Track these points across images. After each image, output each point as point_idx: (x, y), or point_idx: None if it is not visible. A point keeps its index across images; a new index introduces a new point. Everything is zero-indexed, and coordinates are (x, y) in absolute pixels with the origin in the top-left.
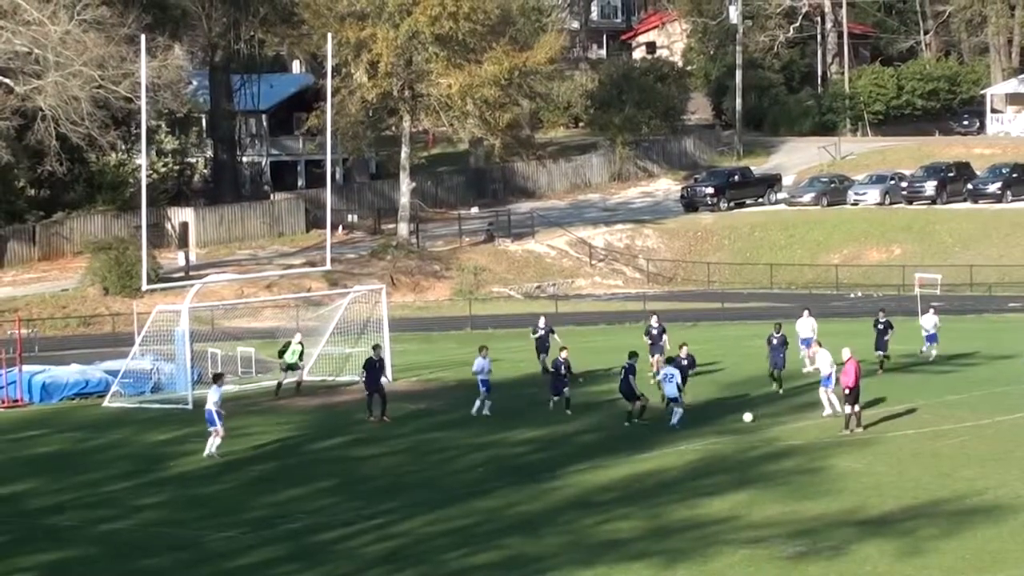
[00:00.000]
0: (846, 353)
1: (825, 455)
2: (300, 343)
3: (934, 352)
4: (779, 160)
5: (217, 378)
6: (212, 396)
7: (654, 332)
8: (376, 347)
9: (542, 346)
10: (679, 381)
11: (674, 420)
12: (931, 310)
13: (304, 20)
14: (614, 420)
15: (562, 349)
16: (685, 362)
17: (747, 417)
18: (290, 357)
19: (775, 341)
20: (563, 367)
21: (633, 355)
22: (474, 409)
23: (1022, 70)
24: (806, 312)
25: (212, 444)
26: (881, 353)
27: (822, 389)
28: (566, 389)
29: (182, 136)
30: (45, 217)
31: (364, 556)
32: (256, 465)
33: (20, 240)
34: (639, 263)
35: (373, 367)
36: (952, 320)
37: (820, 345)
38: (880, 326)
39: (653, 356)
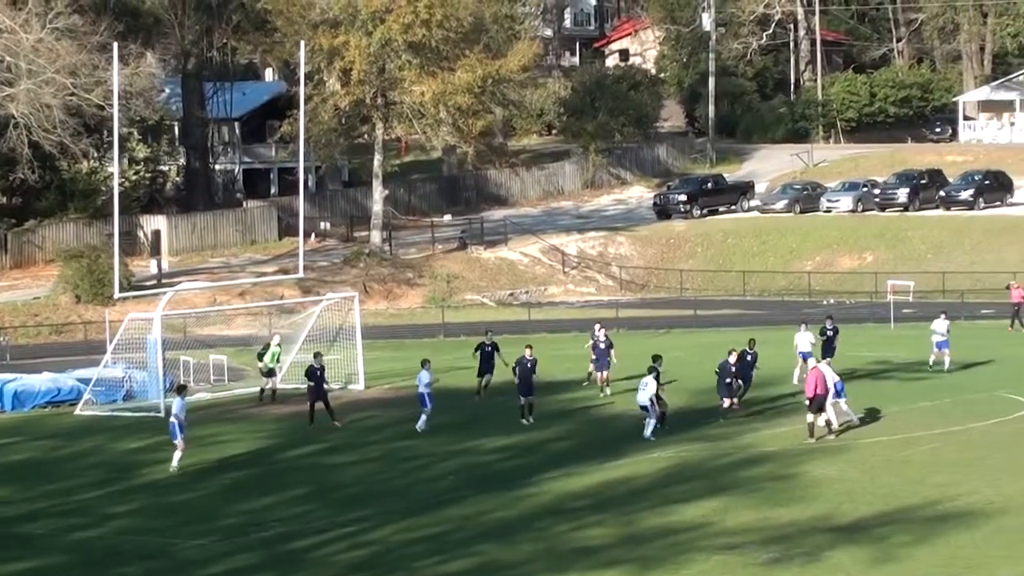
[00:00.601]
0: (812, 361)
1: (797, 462)
2: (279, 345)
3: (947, 359)
4: (752, 167)
5: (180, 390)
6: (174, 407)
7: (601, 346)
8: (317, 355)
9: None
10: (652, 393)
11: (647, 432)
12: (943, 315)
13: (277, 27)
14: (586, 427)
15: (528, 347)
16: (733, 369)
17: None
18: (270, 361)
19: (748, 357)
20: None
21: (657, 358)
22: (419, 424)
23: (994, 77)
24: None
25: (175, 458)
26: (828, 360)
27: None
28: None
29: (154, 144)
30: (17, 225)
31: (337, 564)
32: (229, 473)
33: None
34: (612, 270)
35: (315, 375)
36: (925, 327)
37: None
38: (828, 334)
39: (600, 372)
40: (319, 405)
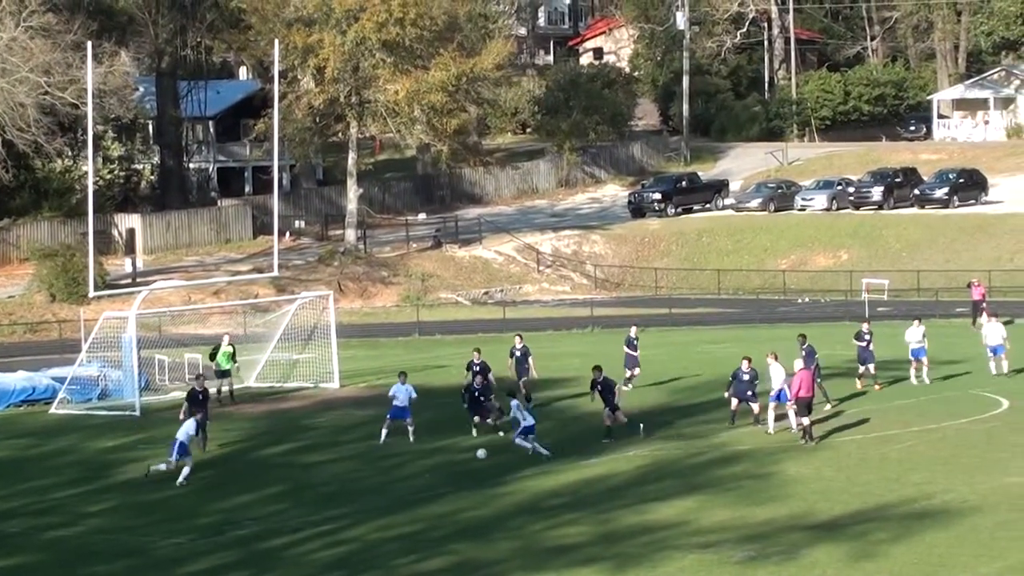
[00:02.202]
0: (798, 364)
1: (774, 460)
2: (231, 345)
3: (925, 368)
4: (726, 166)
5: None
6: (189, 429)
7: (517, 354)
8: (199, 377)
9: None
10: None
11: (528, 445)
12: (916, 321)
13: (251, 26)
14: (562, 426)
15: (475, 350)
16: (747, 377)
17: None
18: (223, 361)
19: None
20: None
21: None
22: (382, 439)
23: (968, 76)
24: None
25: (183, 473)
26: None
27: (772, 404)
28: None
29: (129, 143)
30: None
31: (313, 562)
32: (204, 471)
33: None
34: (587, 269)
35: (198, 399)
36: (899, 325)
37: (776, 358)
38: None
39: (520, 379)
40: None
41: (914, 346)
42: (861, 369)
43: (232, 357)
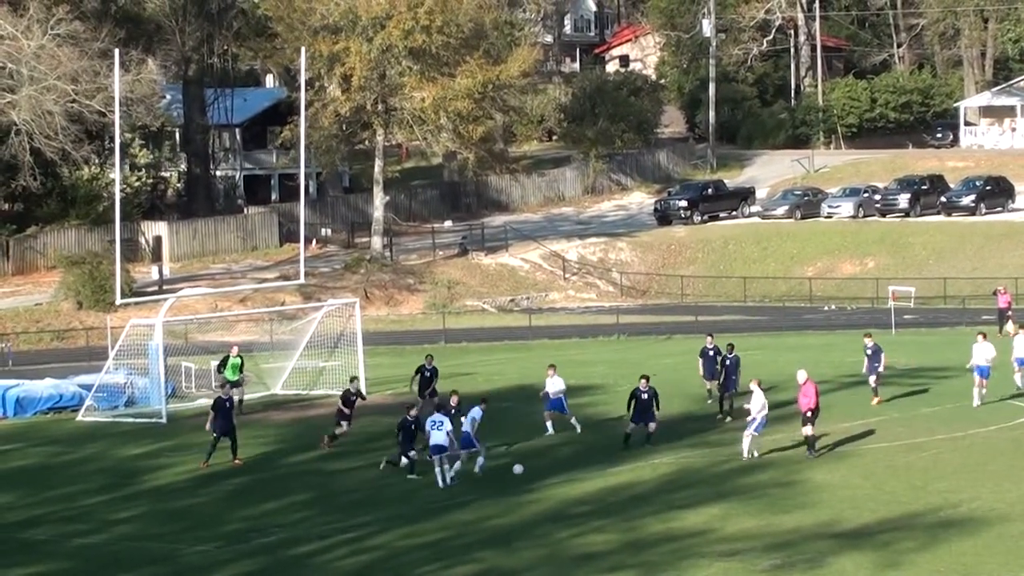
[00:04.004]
0: (802, 376)
1: (800, 468)
2: (239, 356)
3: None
4: (752, 173)
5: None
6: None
7: (427, 374)
8: (226, 386)
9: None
10: (449, 429)
11: (440, 482)
12: (981, 336)
13: (277, 34)
14: (588, 433)
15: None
16: (645, 395)
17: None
18: (231, 373)
19: (729, 362)
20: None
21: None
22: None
23: (995, 83)
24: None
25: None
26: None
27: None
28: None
29: (156, 150)
30: (18, 231)
31: (339, 570)
32: (231, 479)
33: None
34: (613, 276)
35: (224, 407)
36: (925, 333)
37: (760, 384)
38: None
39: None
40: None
41: (981, 364)
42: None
43: (240, 368)
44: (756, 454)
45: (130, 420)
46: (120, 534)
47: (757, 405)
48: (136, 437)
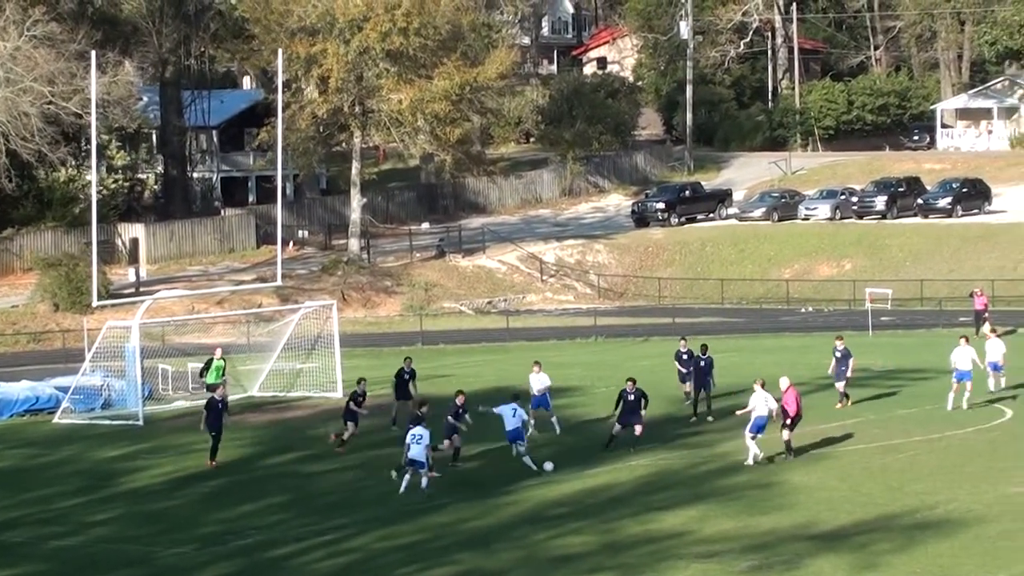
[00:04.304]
0: (784, 382)
1: (777, 470)
2: (222, 359)
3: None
4: (730, 175)
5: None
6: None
7: (405, 376)
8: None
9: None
10: (428, 443)
11: (402, 486)
12: (964, 340)
13: (254, 35)
14: (565, 435)
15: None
16: (632, 397)
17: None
18: (215, 377)
19: (703, 363)
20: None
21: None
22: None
23: (972, 85)
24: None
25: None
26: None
27: (749, 435)
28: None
29: (132, 152)
30: None
31: (316, 572)
32: (208, 481)
33: None
34: (590, 278)
35: (217, 408)
36: (902, 335)
37: (763, 386)
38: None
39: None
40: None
41: (963, 368)
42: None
43: (223, 371)
44: (760, 455)
45: (107, 422)
46: (97, 536)
47: (754, 403)
48: (113, 439)
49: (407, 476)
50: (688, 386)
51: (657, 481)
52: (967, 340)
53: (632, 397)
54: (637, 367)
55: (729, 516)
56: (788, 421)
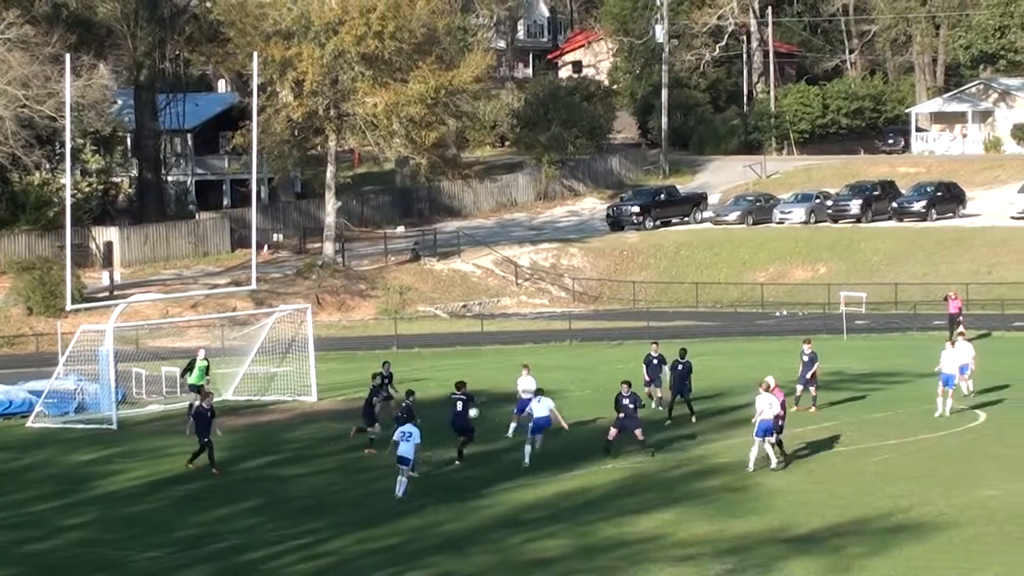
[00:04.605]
0: (771, 382)
1: (752, 473)
2: (205, 359)
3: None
4: (705, 179)
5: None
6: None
7: (384, 379)
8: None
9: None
10: (418, 443)
11: (398, 490)
12: (950, 344)
13: (229, 39)
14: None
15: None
16: (627, 400)
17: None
18: (197, 379)
19: (681, 367)
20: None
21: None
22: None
23: (947, 89)
24: (949, 345)
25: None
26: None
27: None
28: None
29: (107, 155)
30: None
31: None
32: (183, 484)
33: None
34: (565, 282)
35: (205, 416)
36: (877, 339)
37: (768, 389)
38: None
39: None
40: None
41: (948, 371)
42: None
43: (206, 372)
44: (778, 461)
45: (80, 426)
46: (71, 540)
47: (760, 407)
48: (86, 443)
49: (400, 478)
50: (652, 390)
51: (632, 484)
52: (954, 344)
53: (627, 401)
54: (612, 371)
55: (704, 519)
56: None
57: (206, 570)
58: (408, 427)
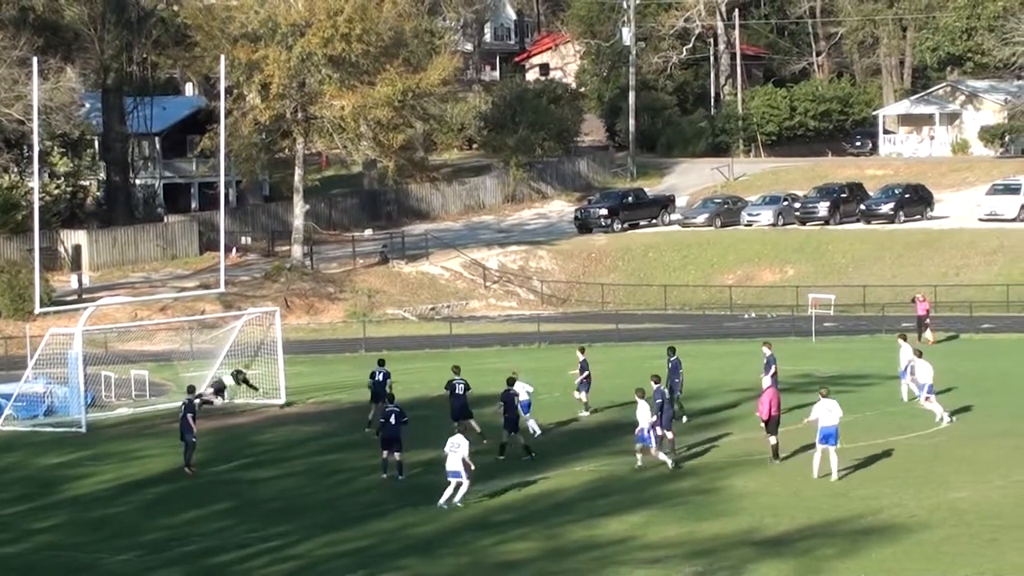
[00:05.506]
0: (767, 381)
1: (721, 476)
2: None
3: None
4: (673, 181)
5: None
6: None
7: (379, 379)
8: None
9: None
10: (465, 455)
11: (456, 499)
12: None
13: (196, 42)
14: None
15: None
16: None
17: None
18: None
19: (671, 364)
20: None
21: (512, 381)
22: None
23: (914, 91)
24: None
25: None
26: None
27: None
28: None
29: (75, 159)
30: None
31: None
32: (151, 487)
33: None
34: (533, 285)
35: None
36: (845, 341)
37: (826, 395)
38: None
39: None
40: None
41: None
42: None
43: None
44: (833, 469)
45: (49, 429)
46: (40, 543)
47: (817, 413)
48: (55, 446)
49: (450, 489)
50: (583, 395)
51: (601, 487)
52: (921, 354)
53: (659, 400)
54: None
55: (673, 522)
56: (766, 422)
57: (176, 573)
58: (457, 438)
